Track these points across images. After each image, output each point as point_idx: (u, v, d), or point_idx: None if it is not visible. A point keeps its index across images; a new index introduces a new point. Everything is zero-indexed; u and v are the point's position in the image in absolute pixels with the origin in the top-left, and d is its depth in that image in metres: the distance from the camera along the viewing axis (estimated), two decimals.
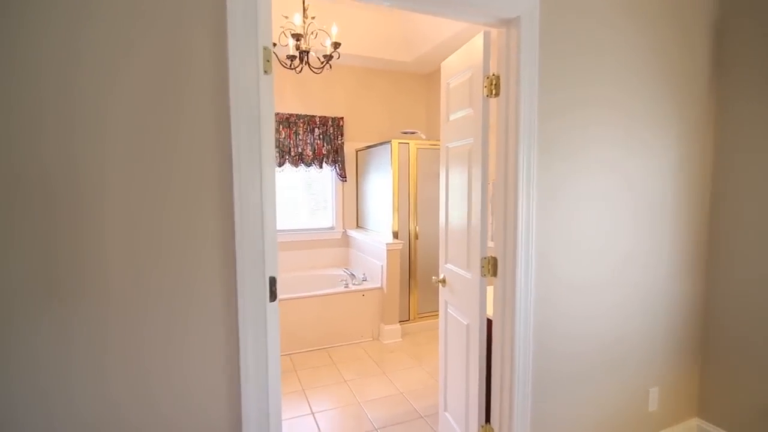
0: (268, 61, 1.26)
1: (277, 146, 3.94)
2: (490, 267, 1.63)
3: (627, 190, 1.77)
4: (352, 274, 3.73)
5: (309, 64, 2.72)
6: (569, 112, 1.61)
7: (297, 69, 2.75)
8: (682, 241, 1.95)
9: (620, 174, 1.75)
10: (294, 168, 4.04)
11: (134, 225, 1.09)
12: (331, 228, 4.40)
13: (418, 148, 3.60)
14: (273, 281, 1.29)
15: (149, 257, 1.11)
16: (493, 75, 1.59)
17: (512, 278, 1.53)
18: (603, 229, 1.72)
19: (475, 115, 1.68)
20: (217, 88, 1.16)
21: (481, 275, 1.64)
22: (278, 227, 4.20)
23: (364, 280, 3.73)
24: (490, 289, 1.74)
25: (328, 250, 4.35)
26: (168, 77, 1.11)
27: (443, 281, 2.00)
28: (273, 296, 1.30)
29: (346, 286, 3.51)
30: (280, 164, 3.97)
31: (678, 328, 2.01)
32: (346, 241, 4.43)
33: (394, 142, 3.49)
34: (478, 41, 1.65)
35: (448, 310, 1.97)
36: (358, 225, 4.42)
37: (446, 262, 1.99)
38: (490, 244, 1.65)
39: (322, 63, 2.75)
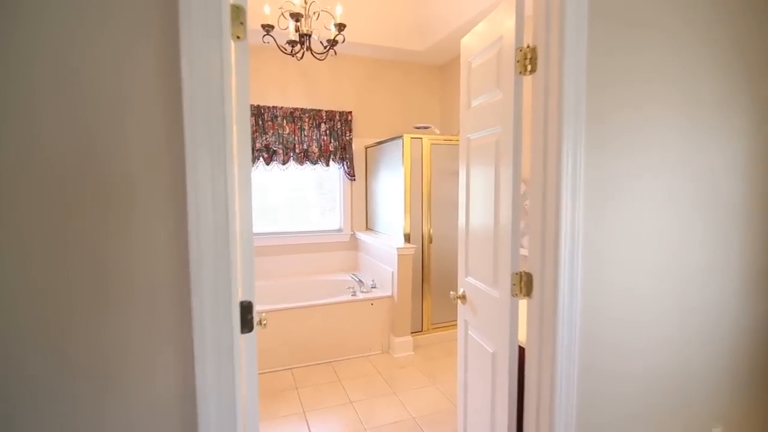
0: (241, 23, 0.97)
1: (281, 142, 3.67)
2: (523, 285, 1.32)
3: (695, 191, 1.43)
4: (360, 281, 3.44)
5: (311, 50, 2.44)
6: (624, 92, 1.28)
7: (297, 55, 2.47)
8: (755, 251, 1.61)
9: (688, 170, 1.41)
10: (299, 166, 3.77)
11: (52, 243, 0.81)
12: (339, 230, 4.12)
13: (432, 144, 3.29)
14: (248, 308, 1.01)
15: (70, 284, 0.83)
16: (528, 47, 1.27)
17: (552, 301, 1.22)
18: (668, 240, 1.39)
19: (505, 98, 1.37)
20: (168, 57, 0.87)
21: (512, 294, 1.34)
22: (282, 229, 3.94)
23: (374, 287, 3.44)
24: (522, 305, 1.43)
25: (335, 254, 4.07)
26: (101, 40, 0.83)
27: (463, 297, 1.70)
28: (247, 326, 1.01)
29: (354, 294, 3.22)
30: (284, 162, 3.70)
31: (746, 356, 1.67)
32: (354, 244, 4.14)
33: (406, 137, 3.19)
34: (508, 4, 1.34)
35: (469, 332, 1.66)
36: (368, 227, 4.13)
37: (467, 275, 1.69)
38: (524, 251, 1.34)
39: (325, 48, 2.47)
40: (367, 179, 4.08)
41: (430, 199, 3.31)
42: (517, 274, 1.33)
